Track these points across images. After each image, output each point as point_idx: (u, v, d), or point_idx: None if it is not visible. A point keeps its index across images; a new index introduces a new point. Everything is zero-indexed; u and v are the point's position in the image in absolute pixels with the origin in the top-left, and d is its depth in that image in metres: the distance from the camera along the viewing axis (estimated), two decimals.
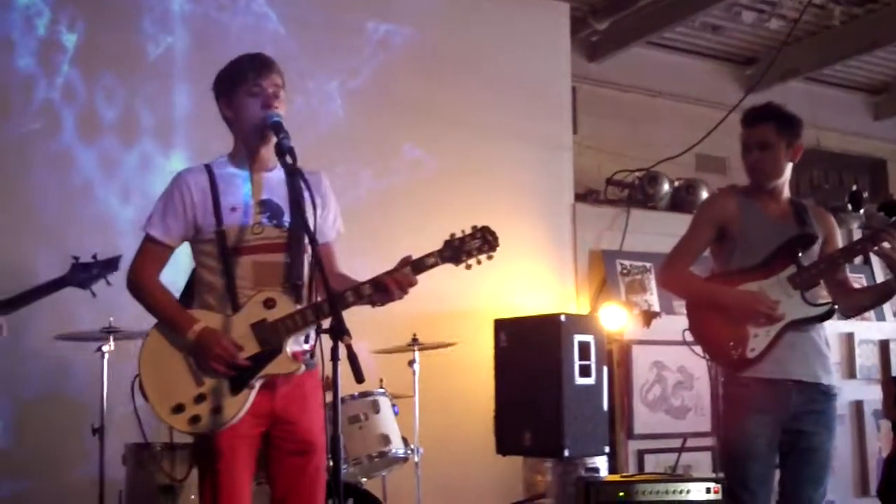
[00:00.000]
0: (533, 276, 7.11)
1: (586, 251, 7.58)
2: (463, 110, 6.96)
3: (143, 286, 3.32)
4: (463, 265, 3.27)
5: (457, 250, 3.25)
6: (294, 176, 3.14)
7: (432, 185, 6.75)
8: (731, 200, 4.09)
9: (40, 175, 5.66)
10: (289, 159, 3.08)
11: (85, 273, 4.20)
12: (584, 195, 7.93)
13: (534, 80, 7.41)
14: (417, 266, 3.23)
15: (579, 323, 6.21)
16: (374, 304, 3.26)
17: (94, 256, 4.23)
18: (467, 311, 6.39)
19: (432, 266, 3.24)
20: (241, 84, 3.31)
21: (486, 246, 3.26)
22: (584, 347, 6.06)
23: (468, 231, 3.28)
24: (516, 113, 7.24)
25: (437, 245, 3.29)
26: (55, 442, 5.42)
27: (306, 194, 3.19)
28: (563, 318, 6.06)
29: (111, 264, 4.28)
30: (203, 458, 3.26)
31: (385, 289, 3.21)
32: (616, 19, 8.14)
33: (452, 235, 3.28)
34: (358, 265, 3.52)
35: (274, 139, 3.19)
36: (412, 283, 3.23)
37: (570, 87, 7.76)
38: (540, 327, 6.14)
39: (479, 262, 3.28)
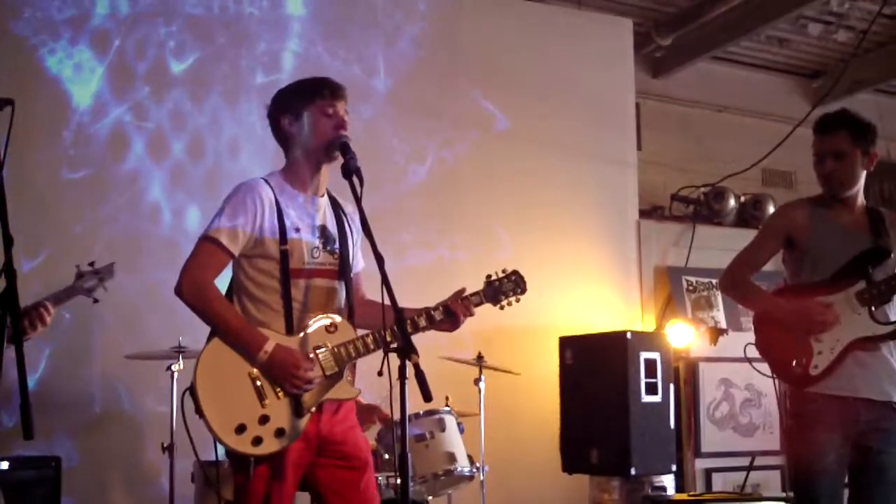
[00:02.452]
0: (598, 293, 7.08)
1: (651, 268, 7.54)
2: (526, 127, 6.98)
3: (205, 294, 3.19)
4: (498, 306, 3.48)
5: (496, 291, 3.46)
6: (338, 205, 3.41)
7: (497, 201, 6.77)
8: (800, 211, 4.01)
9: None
10: (356, 180, 3.09)
11: (90, 281, 4.19)
12: (649, 211, 7.88)
13: (598, 97, 7.40)
14: (466, 301, 3.38)
15: (645, 340, 6.17)
16: (439, 329, 3.36)
17: (92, 264, 4.23)
18: (532, 328, 6.37)
19: (478, 304, 3.41)
20: (315, 101, 3.30)
21: (518, 289, 3.50)
22: (650, 365, 6.02)
23: (501, 273, 3.49)
24: (581, 129, 7.23)
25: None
26: (126, 459, 5.52)
27: (345, 223, 3.40)
28: (629, 335, 6.04)
29: (109, 271, 4.26)
30: (252, 480, 3.11)
31: (453, 315, 3.32)
32: (680, 34, 8.09)
33: (489, 276, 3.47)
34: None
35: (337, 160, 3.23)
36: (472, 314, 3.39)
37: (634, 103, 7.73)
38: (606, 345, 6.12)
39: (510, 304, 3.50)
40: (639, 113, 7.92)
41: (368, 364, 3.19)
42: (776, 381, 4.04)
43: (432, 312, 3.32)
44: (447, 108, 6.80)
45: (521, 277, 3.50)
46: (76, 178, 5.70)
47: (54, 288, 3.94)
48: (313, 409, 3.18)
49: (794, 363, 3.84)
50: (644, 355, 6.02)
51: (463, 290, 3.37)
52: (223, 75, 6.17)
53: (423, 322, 3.29)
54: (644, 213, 7.71)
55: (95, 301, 4.19)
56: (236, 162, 6.04)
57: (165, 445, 4.86)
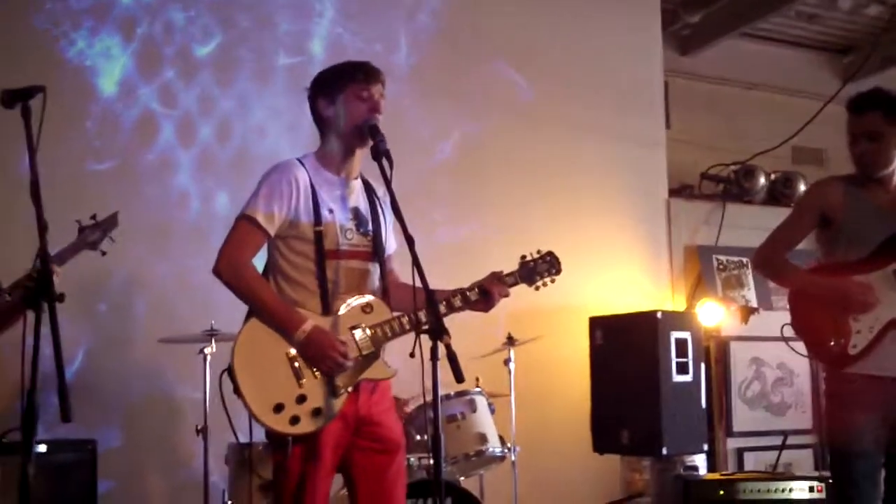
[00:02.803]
0: (627, 273, 7.06)
1: (681, 247, 7.51)
2: (553, 106, 6.95)
3: (243, 273, 3.22)
4: (534, 286, 3.49)
5: (531, 271, 3.47)
6: (371, 188, 3.43)
7: (525, 180, 6.75)
8: (835, 189, 3.95)
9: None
10: (385, 162, 3.11)
11: (93, 235, 4.17)
12: (679, 190, 7.84)
13: (626, 76, 7.36)
14: (501, 282, 3.40)
15: (676, 319, 6.15)
16: (474, 309, 3.38)
17: (94, 217, 4.21)
18: (562, 308, 6.35)
19: (512, 285, 3.42)
20: (350, 85, 3.32)
21: (553, 269, 3.51)
22: (681, 344, 6.00)
23: (536, 254, 3.50)
24: (609, 110, 7.19)
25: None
26: (160, 442, 5.56)
27: (377, 205, 3.42)
28: (659, 314, 6.02)
29: (112, 221, 4.24)
30: (289, 459, 3.14)
31: (489, 295, 3.34)
32: (708, 11, 8.04)
33: (523, 257, 3.49)
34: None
35: (370, 142, 3.23)
36: (506, 295, 3.41)
37: (662, 82, 7.68)
38: (636, 324, 6.10)
39: (545, 285, 3.51)
40: (667, 91, 7.85)
41: (399, 346, 3.20)
42: (813, 361, 4.00)
43: (467, 293, 3.33)
44: (471, 85, 6.76)
45: (556, 258, 3.51)
46: (102, 169, 5.71)
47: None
48: (349, 389, 3.19)
49: (832, 343, 3.80)
50: (675, 335, 6.00)
51: (500, 272, 3.39)
52: (247, 58, 6.17)
53: (458, 302, 3.31)
54: (673, 192, 7.67)
55: (103, 254, 4.15)
56: (264, 145, 6.05)
57: (199, 428, 4.88)
